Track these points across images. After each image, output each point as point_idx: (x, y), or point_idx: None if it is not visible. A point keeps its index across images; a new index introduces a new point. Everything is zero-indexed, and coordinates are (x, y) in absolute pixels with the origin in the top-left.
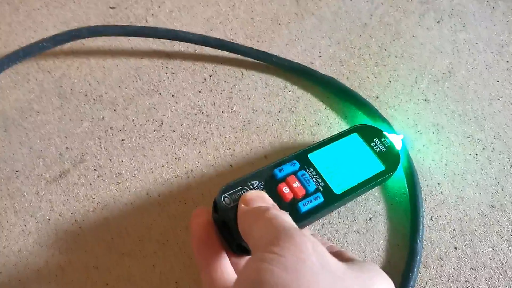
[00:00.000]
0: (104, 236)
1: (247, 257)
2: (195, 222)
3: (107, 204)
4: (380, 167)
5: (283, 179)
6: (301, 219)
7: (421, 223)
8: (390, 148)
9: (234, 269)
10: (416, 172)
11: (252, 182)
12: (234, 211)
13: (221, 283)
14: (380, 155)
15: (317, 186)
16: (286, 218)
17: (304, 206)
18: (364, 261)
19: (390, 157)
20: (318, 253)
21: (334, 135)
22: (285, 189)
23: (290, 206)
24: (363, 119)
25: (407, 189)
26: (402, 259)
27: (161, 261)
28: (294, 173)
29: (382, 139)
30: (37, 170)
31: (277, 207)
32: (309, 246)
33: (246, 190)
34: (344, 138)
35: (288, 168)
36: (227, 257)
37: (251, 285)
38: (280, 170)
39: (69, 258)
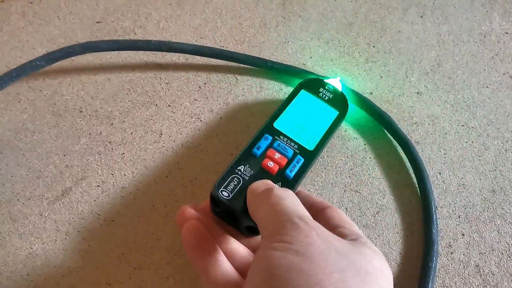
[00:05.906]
0: (114, 251)
1: (258, 237)
2: (184, 228)
3: (114, 220)
4: (334, 113)
5: (264, 155)
6: (292, 184)
7: (433, 213)
8: (335, 92)
9: (248, 247)
10: (422, 161)
11: (239, 168)
12: (236, 200)
13: (222, 282)
14: (330, 102)
15: (293, 151)
16: (288, 200)
17: (291, 172)
18: (359, 233)
19: (338, 101)
20: (322, 237)
21: (286, 98)
22: (270, 164)
23: (280, 177)
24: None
25: (416, 180)
26: (413, 249)
27: (174, 271)
28: (271, 146)
29: (326, 87)
30: (38, 190)
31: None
32: (313, 232)
33: (238, 178)
34: (296, 97)
35: (263, 143)
36: (223, 255)
37: (266, 272)
38: (258, 148)
39: (80, 277)
